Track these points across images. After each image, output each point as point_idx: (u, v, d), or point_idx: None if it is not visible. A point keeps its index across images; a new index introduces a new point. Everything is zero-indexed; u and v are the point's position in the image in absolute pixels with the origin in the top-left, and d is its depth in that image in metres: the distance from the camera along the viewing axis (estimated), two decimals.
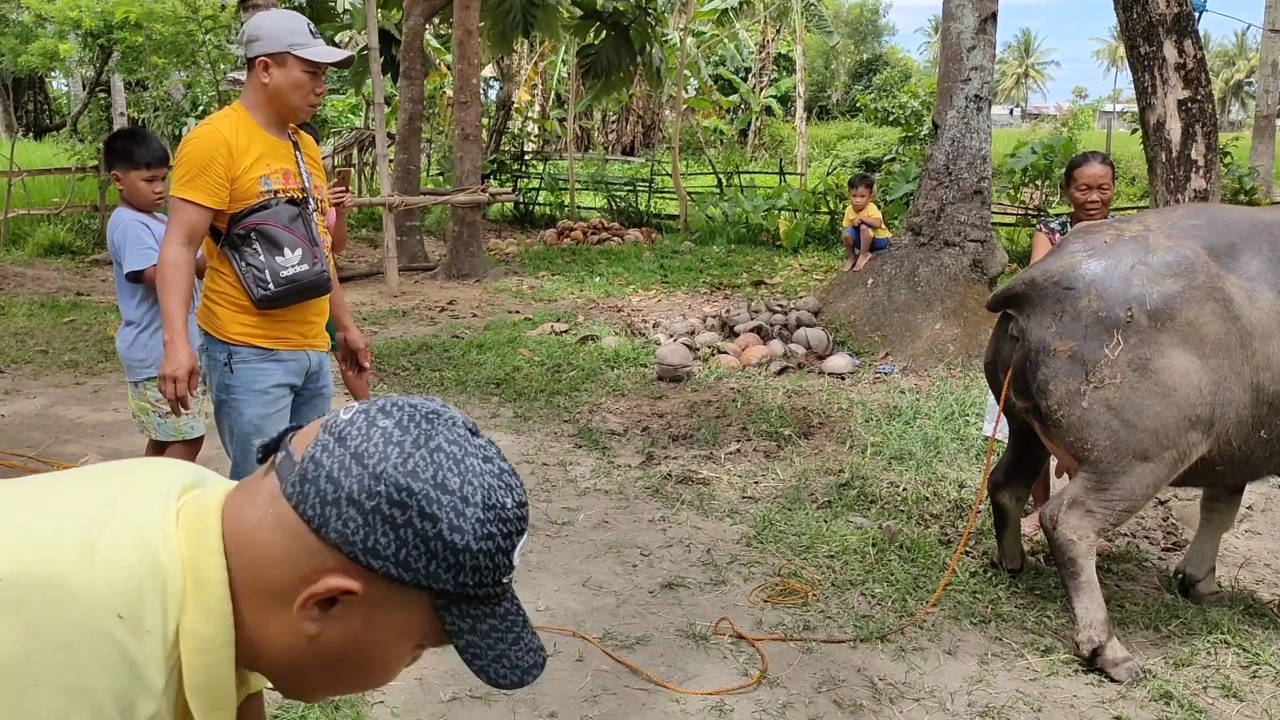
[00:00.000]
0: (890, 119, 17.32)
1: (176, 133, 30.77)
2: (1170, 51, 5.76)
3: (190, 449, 4.02)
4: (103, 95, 23.81)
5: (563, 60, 23.33)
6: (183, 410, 3.20)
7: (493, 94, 21.85)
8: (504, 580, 0.93)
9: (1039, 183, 13.33)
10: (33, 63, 23.80)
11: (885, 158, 18.34)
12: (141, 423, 4.08)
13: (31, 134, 29.76)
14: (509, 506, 0.93)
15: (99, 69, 21.57)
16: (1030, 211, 13.50)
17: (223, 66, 19.18)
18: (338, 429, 0.91)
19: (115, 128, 21.99)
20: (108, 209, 13.59)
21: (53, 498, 0.91)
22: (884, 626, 3.53)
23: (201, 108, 30.69)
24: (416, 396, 0.99)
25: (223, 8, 16.86)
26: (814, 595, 3.77)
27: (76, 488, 0.93)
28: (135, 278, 3.91)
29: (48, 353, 7.45)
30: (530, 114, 24.93)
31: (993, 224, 8.97)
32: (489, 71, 21.64)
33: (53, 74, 34.32)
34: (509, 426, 5.88)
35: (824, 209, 14.86)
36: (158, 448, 4.05)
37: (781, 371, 7.04)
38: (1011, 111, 70.23)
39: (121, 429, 5.62)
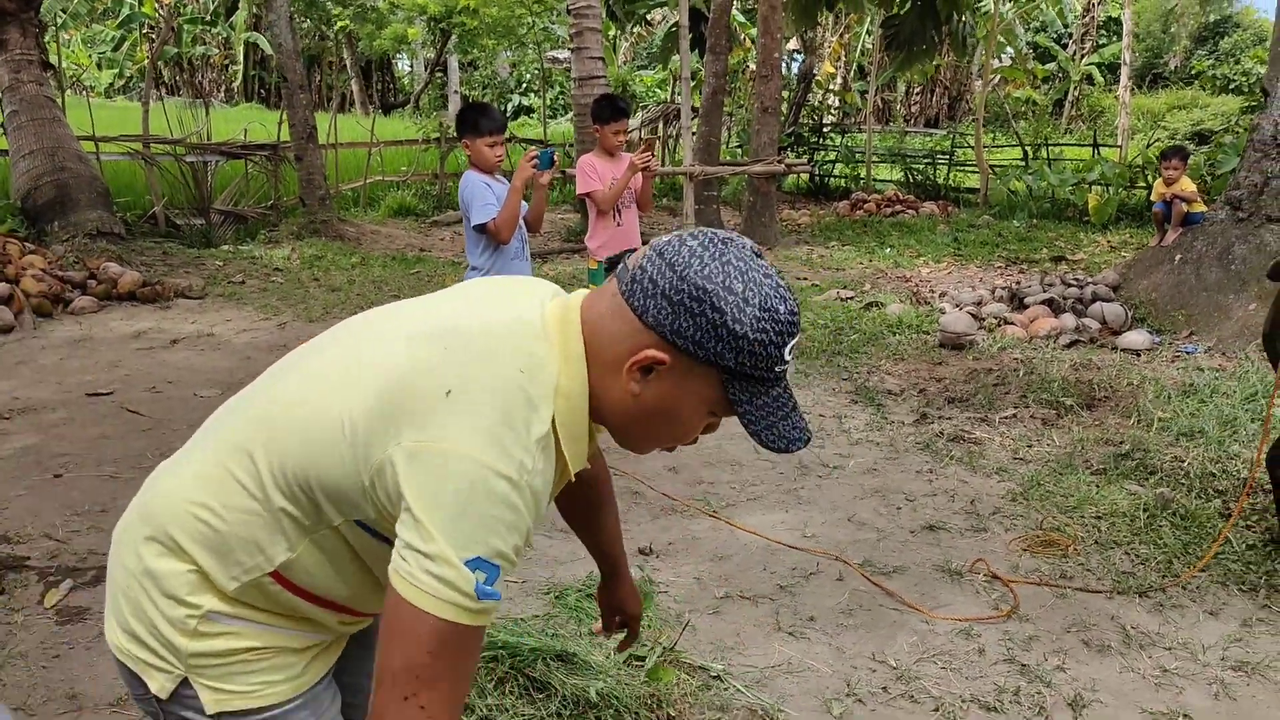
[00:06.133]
0: (1230, 86, 15.85)
1: (502, 108, 33.30)
2: None
3: None
4: (440, 75, 26.20)
5: (868, 32, 23.11)
6: None
7: (795, 67, 22.07)
8: (775, 369, 1.22)
9: None
10: (385, 46, 26.64)
11: (1219, 129, 16.87)
12: None
13: (380, 110, 33.30)
14: (781, 311, 1.20)
15: (439, 50, 23.86)
16: None
17: (545, 45, 20.68)
18: (660, 247, 1.23)
19: (450, 104, 24.33)
20: (445, 177, 15.24)
21: (475, 298, 1.35)
22: (1144, 584, 3.61)
23: (525, 85, 33.04)
24: (720, 229, 1.31)
25: None
26: (1075, 549, 3.89)
27: (486, 291, 1.37)
28: (480, 229, 4.62)
29: (399, 297, 8.65)
30: (832, 86, 24.92)
31: None
32: (793, 45, 21.87)
33: (399, 56, 38.24)
34: (790, 380, 6.26)
35: (1141, 183, 14.00)
36: None
37: (1071, 345, 6.94)
38: None
39: None
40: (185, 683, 1.31)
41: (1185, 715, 2.83)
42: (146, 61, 15.88)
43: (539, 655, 2.74)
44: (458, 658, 1.14)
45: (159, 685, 1.31)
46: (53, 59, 11.41)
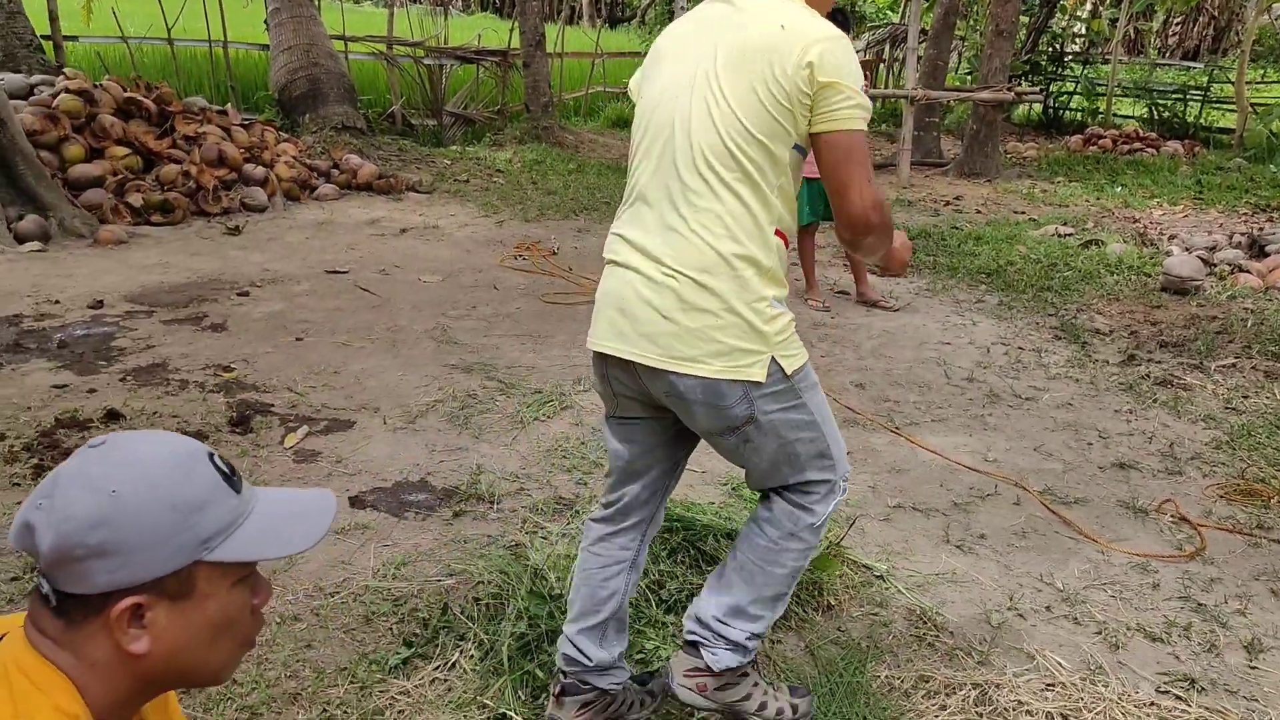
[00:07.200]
0: None
1: None
2: None
3: None
4: None
5: None
6: None
7: None
8: None
9: None
10: None
11: None
12: None
13: (606, 24, 33.58)
14: None
15: None
16: None
17: None
18: None
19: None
20: None
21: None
22: None
23: None
24: None
25: None
26: (1278, 502, 3.72)
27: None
28: None
29: (610, 204, 8.97)
30: (1079, 13, 23.25)
31: None
32: None
33: None
34: (992, 312, 6.13)
35: None
36: None
37: None
38: None
39: None
40: (771, 362, 1.95)
41: None
42: None
43: (710, 532, 2.93)
44: (865, 146, 1.94)
45: (760, 373, 1.95)
46: None
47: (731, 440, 2.04)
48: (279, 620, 2.66)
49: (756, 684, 2.21)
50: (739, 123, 1.89)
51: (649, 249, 1.96)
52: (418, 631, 2.61)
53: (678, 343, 1.92)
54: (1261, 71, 19.25)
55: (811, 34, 1.87)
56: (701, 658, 2.15)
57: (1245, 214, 9.74)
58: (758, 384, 1.94)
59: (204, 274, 6.14)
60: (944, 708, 2.46)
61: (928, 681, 2.55)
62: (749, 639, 2.15)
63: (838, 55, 1.86)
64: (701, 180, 1.92)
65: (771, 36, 1.88)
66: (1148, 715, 2.47)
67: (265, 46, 11.32)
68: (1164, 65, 21.18)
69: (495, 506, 3.38)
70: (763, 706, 2.21)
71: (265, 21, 11.08)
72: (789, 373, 1.98)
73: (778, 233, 1.98)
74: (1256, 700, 2.57)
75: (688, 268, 1.91)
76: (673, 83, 2.00)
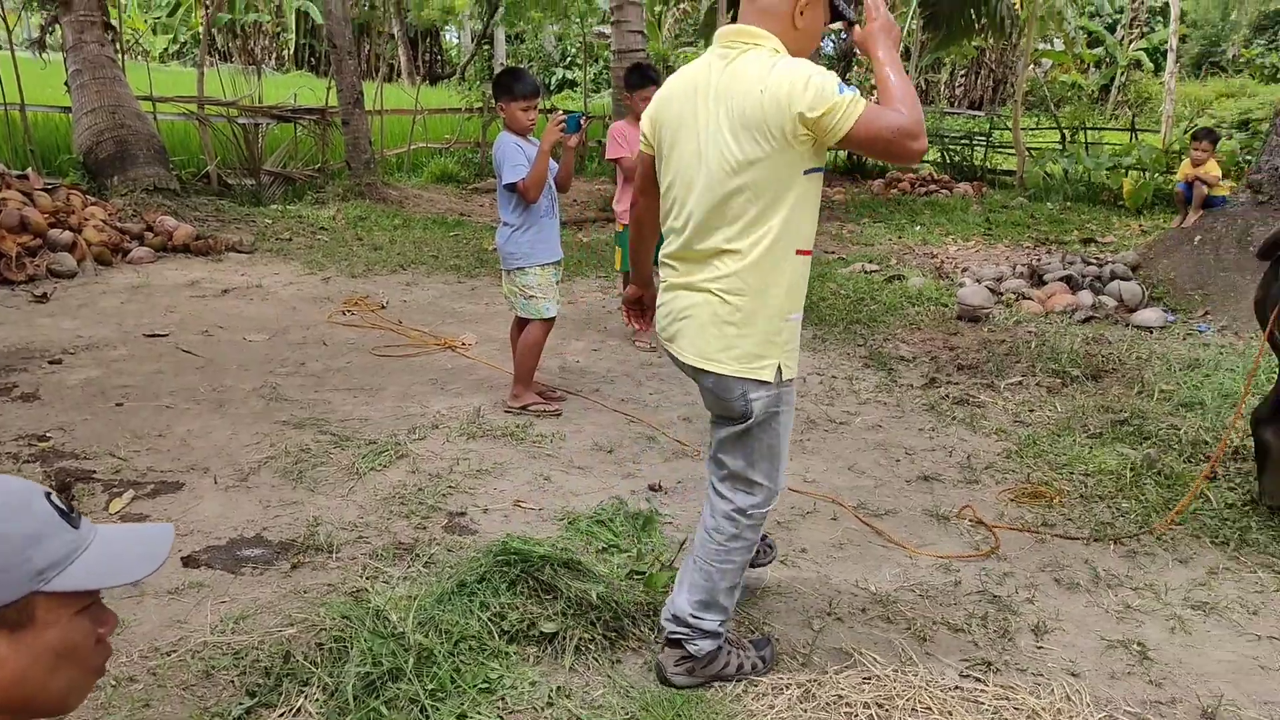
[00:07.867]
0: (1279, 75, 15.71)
1: (547, 81, 33.53)
2: None
3: (545, 327, 5.01)
4: (486, 47, 26.43)
5: (912, 14, 23.03)
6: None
7: (837, 46, 22.03)
8: None
9: None
10: (433, 16, 26.93)
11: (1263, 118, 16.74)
12: (510, 303, 5.12)
13: (426, 80, 33.59)
14: None
15: (486, 23, 24.11)
16: None
17: (590, 20, 20.87)
18: None
19: None
20: (487, 146, 15.54)
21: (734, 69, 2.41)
22: (1121, 533, 3.84)
23: (569, 58, 33.17)
24: None
25: None
26: (1059, 502, 4.13)
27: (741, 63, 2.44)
28: (510, 188, 4.89)
29: (438, 257, 9.01)
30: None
31: None
32: (836, 25, 21.80)
33: (446, 27, 38.49)
34: (807, 345, 6.52)
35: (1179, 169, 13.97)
36: (520, 324, 5.08)
37: (1086, 321, 7.12)
38: None
39: (491, 317, 6.87)
40: (776, 369, 2.42)
41: (1140, 644, 3.08)
42: (201, 27, 16.34)
43: (548, 562, 3.04)
44: (868, 113, 2.20)
45: (771, 374, 2.42)
46: (112, 21, 11.79)
47: (731, 428, 2.52)
48: (114, 683, 2.61)
49: (730, 652, 2.75)
50: (754, 175, 2.29)
51: (696, 274, 2.44)
52: (260, 681, 2.62)
53: (707, 345, 2.43)
54: (1035, 119, 21.11)
55: (784, 89, 2.20)
56: (686, 650, 2.69)
57: (1028, 247, 10.66)
58: (763, 383, 2.42)
59: (10, 344, 5.85)
60: (773, 706, 2.65)
61: (756, 685, 2.74)
62: (720, 625, 2.70)
63: (814, 90, 2.18)
64: (730, 224, 2.35)
65: (755, 101, 2.24)
66: (952, 698, 2.72)
67: (67, 109, 10.86)
68: (952, 114, 22.92)
69: (334, 556, 3.40)
70: (740, 667, 2.75)
71: (65, 84, 10.64)
72: (786, 380, 2.46)
73: (802, 251, 2.41)
74: (1042, 675, 2.88)
75: (726, 292, 2.39)
76: (691, 139, 2.40)
